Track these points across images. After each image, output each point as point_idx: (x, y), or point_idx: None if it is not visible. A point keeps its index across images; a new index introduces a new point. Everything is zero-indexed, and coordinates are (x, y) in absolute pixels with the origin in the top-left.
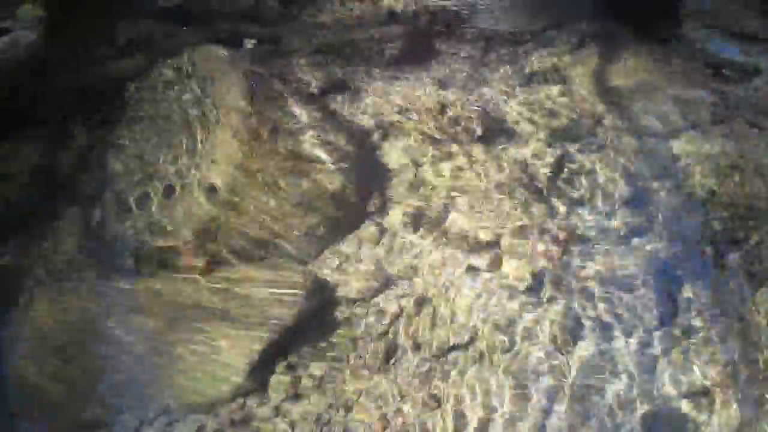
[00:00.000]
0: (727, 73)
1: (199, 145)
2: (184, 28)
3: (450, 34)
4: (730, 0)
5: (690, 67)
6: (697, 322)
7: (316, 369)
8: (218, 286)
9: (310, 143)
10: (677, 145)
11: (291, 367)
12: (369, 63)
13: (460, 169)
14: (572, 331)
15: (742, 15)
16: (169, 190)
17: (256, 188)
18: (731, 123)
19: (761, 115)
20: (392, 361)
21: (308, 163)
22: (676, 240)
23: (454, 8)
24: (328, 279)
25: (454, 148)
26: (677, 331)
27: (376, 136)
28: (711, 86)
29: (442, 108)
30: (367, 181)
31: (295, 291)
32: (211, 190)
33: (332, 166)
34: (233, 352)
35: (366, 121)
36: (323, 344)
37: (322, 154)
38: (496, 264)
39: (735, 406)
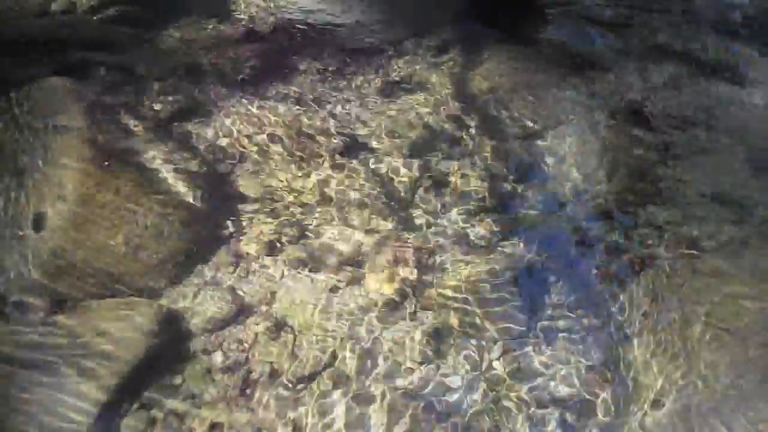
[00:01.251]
0: (594, 65)
1: (42, 182)
2: (28, 60)
3: (309, 49)
4: None
5: (555, 62)
6: (564, 325)
7: (171, 406)
8: (63, 325)
9: (160, 172)
10: (543, 145)
11: (144, 406)
12: (224, 84)
13: (319, 186)
14: (437, 345)
15: (606, 4)
16: (10, 229)
17: (103, 222)
18: (599, 116)
19: (629, 106)
20: (250, 390)
21: (159, 193)
22: (543, 242)
23: (313, 24)
24: (181, 311)
25: (313, 165)
26: (544, 335)
27: (230, 159)
28: (577, 80)
29: (300, 125)
30: (222, 206)
31: (146, 326)
32: (56, 226)
33: (185, 194)
34: (81, 395)
35: (220, 144)
36: (178, 379)
37: (174, 182)
38: (357, 281)
39: (606, 408)
